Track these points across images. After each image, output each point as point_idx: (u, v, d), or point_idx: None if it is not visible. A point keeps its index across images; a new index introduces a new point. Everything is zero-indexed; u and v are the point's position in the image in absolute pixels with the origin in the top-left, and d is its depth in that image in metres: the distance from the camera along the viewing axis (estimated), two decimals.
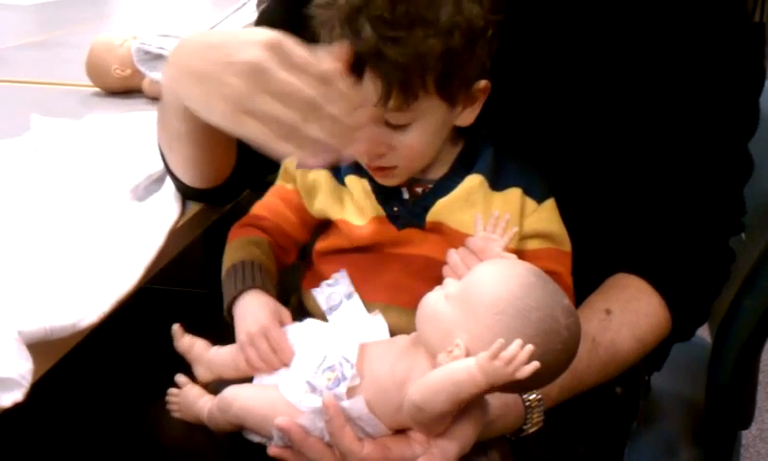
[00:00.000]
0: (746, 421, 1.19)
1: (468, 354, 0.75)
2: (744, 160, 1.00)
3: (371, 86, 0.81)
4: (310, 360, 0.83)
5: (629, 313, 0.96)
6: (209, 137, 0.93)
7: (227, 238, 0.97)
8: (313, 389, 0.82)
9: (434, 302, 0.80)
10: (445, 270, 0.86)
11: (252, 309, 0.89)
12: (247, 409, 0.86)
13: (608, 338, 0.94)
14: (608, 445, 1.04)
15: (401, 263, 0.89)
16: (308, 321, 0.91)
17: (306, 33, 0.96)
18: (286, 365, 0.86)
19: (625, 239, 1.00)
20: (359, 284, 0.89)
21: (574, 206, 0.95)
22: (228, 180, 1.05)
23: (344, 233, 0.91)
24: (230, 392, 0.88)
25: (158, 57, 1.50)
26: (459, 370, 0.74)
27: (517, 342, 0.72)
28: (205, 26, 1.55)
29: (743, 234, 1.02)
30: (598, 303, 0.96)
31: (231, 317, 0.91)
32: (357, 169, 0.92)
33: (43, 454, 1.41)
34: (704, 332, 1.16)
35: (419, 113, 0.84)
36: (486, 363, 0.72)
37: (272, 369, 0.87)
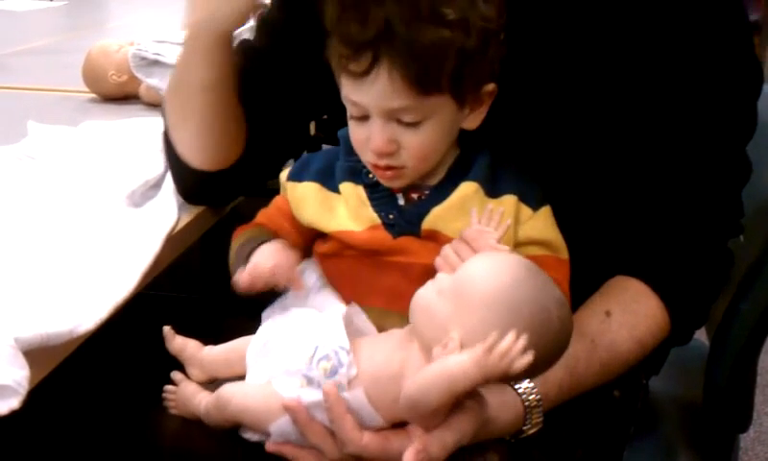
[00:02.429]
0: (744, 424, 1.19)
1: (462, 348, 0.76)
2: (742, 163, 1.00)
3: (386, 78, 0.81)
4: (301, 352, 0.83)
5: (628, 314, 0.96)
6: (231, 90, 1.00)
7: (224, 244, 0.97)
8: (310, 381, 0.82)
9: (427, 296, 0.80)
10: (438, 262, 0.86)
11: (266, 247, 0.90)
12: (244, 407, 0.86)
13: (607, 339, 0.94)
14: (606, 448, 1.04)
15: (400, 271, 0.89)
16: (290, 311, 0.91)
17: (305, 34, 0.96)
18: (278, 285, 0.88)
19: (624, 243, 1.00)
20: (358, 288, 0.89)
21: (573, 211, 0.95)
22: (233, 167, 1.04)
23: (340, 241, 0.91)
24: (227, 390, 0.88)
25: (155, 63, 1.50)
26: (453, 364, 0.74)
27: (511, 335, 0.73)
28: None
29: (741, 237, 1.02)
30: (598, 305, 0.96)
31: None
32: (353, 176, 0.92)
33: None
34: (701, 335, 1.16)
35: (430, 111, 0.84)
36: (480, 357, 0.73)
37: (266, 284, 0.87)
